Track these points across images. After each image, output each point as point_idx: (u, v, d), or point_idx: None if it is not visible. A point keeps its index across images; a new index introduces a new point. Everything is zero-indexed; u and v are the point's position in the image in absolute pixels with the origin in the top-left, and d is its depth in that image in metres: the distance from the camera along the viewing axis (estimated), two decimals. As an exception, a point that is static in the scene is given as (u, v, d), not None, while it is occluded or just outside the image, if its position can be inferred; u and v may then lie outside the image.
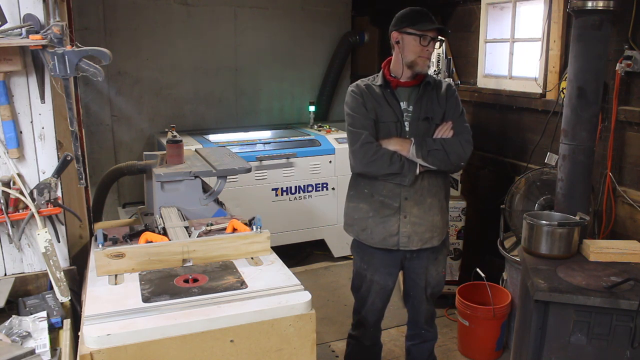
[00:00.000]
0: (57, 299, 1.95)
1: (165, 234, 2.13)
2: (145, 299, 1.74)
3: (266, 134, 5.10)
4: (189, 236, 2.11)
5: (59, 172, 2.08)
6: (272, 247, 2.16)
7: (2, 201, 2.00)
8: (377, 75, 2.55)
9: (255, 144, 4.57)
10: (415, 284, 2.67)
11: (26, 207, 2.03)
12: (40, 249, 1.93)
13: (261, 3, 5.16)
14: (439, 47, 2.51)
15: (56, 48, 1.82)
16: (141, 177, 3.06)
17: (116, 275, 1.92)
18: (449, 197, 2.69)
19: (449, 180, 2.69)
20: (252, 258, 2.09)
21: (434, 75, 2.79)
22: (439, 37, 2.49)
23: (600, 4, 2.46)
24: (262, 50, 5.25)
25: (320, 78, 5.61)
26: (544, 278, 2.25)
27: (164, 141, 2.98)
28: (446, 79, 2.70)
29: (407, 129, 2.49)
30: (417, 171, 2.43)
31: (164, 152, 2.76)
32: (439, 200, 2.54)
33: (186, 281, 1.87)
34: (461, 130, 2.51)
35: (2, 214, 1.99)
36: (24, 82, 2.05)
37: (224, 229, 2.20)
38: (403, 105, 2.50)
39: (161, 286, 1.83)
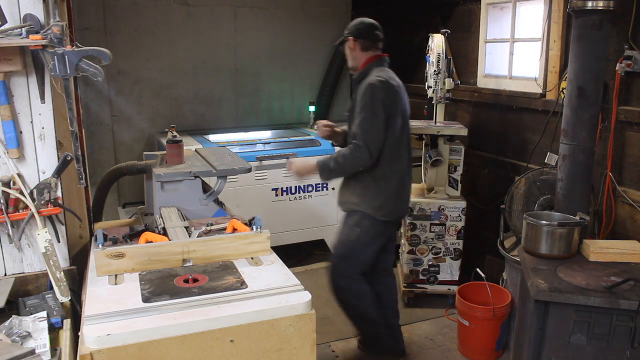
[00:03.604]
0: (57, 299, 1.95)
1: (165, 234, 2.13)
2: (145, 299, 1.74)
3: (266, 134, 5.10)
4: (189, 236, 2.11)
5: (59, 172, 2.08)
6: (272, 247, 2.16)
7: (2, 201, 2.00)
8: None
9: (255, 144, 4.57)
10: None
11: (26, 207, 2.03)
12: (40, 249, 1.93)
13: (261, 3, 5.16)
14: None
15: (56, 48, 1.82)
16: (141, 177, 3.06)
17: (116, 275, 1.92)
18: (364, 177, 2.90)
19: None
20: (252, 258, 2.09)
21: (377, 76, 2.79)
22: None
23: (600, 4, 2.47)
24: (262, 50, 5.24)
25: (320, 78, 5.61)
26: (544, 278, 2.25)
27: (164, 141, 2.98)
28: (371, 79, 2.79)
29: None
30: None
31: (164, 152, 2.76)
32: (354, 183, 2.94)
33: (186, 281, 1.87)
34: (355, 135, 2.78)
35: (2, 214, 2.00)
36: (24, 82, 2.05)
37: (224, 229, 2.20)
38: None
39: (161, 286, 1.83)
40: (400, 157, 2.91)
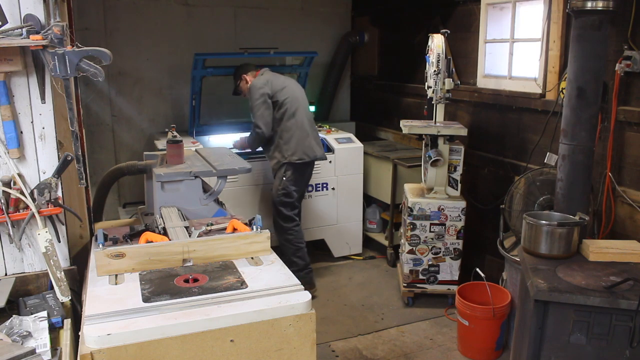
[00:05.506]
0: (58, 299, 1.96)
1: (165, 234, 2.14)
2: (146, 299, 1.74)
3: (266, 134, 5.09)
4: (189, 236, 2.11)
5: (59, 172, 2.08)
6: (272, 247, 2.17)
7: (2, 201, 2.01)
8: None
9: (256, 143, 4.56)
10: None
11: (27, 207, 2.03)
12: (40, 249, 1.93)
13: (261, 3, 5.16)
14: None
15: (57, 48, 1.82)
16: (141, 177, 3.06)
17: (116, 275, 1.92)
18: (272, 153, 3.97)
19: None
20: (252, 258, 2.09)
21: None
22: None
23: (600, 4, 2.47)
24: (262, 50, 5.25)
25: (321, 78, 5.61)
26: (544, 278, 2.25)
27: (163, 141, 2.99)
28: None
29: None
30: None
31: (164, 151, 2.76)
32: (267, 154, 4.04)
33: (186, 281, 1.87)
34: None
35: (3, 214, 2.00)
36: (24, 83, 2.05)
37: (224, 229, 2.20)
38: None
39: (161, 286, 1.83)
40: (293, 122, 3.90)
